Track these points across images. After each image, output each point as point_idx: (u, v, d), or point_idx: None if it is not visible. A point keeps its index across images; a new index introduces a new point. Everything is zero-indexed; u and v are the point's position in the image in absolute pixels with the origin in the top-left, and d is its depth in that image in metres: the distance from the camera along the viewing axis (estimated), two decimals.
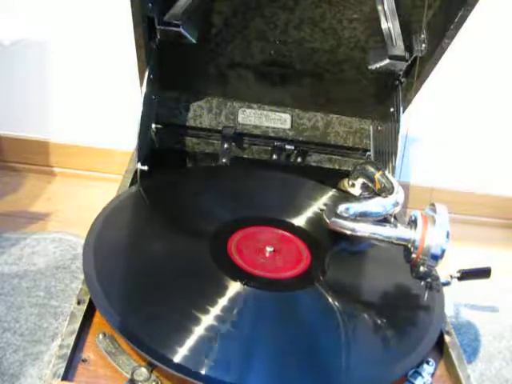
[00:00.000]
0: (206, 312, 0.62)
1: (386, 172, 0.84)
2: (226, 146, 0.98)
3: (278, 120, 1.02)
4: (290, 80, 0.97)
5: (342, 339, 0.63)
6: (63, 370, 0.56)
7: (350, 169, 0.99)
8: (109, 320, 0.59)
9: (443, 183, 1.31)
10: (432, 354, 0.65)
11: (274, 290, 0.68)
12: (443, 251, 0.65)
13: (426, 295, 0.71)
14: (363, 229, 0.73)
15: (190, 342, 0.58)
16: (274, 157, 1.01)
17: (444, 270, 0.75)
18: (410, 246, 0.69)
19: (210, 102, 1.01)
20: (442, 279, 0.75)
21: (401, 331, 0.67)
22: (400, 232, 0.70)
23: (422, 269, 0.68)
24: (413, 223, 0.69)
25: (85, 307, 0.63)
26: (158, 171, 0.88)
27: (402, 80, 0.92)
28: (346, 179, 0.93)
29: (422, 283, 0.71)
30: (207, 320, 0.61)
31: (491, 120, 1.23)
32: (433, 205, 0.69)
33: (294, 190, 0.90)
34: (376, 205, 0.77)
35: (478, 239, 1.29)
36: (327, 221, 0.76)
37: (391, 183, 0.81)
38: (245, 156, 1.02)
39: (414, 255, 0.68)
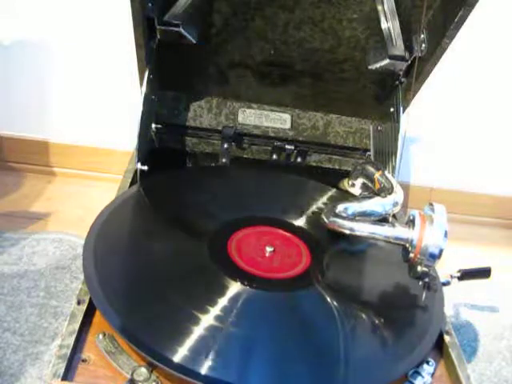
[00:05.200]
0: (206, 312, 0.62)
1: (386, 172, 0.84)
2: (225, 145, 0.98)
3: (278, 120, 1.02)
4: (290, 80, 0.97)
5: (342, 339, 0.63)
6: (63, 370, 0.56)
7: (349, 169, 0.99)
8: (109, 320, 0.59)
9: (443, 183, 1.31)
10: (432, 353, 0.65)
11: (274, 290, 0.68)
12: (441, 251, 0.65)
13: (426, 295, 0.71)
14: (362, 228, 0.73)
15: (190, 342, 0.58)
16: (274, 157, 1.01)
17: (444, 270, 0.75)
18: (408, 245, 0.69)
19: (210, 102, 1.01)
20: (442, 279, 0.75)
21: (401, 331, 0.67)
22: (398, 231, 0.70)
23: (419, 268, 0.68)
24: (411, 223, 0.69)
25: (85, 307, 0.63)
26: (157, 171, 0.88)
27: (402, 80, 0.92)
28: (346, 179, 0.93)
29: (420, 283, 0.71)
30: (207, 320, 0.61)
31: (491, 120, 1.23)
32: (431, 204, 0.69)
33: (294, 190, 0.90)
34: (375, 204, 0.77)
35: (478, 239, 1.29)
36: (326, 220, 0.76)
37: (391, 183, 0.81)
38: (245, 156, 1.02)
39: (411, 255, 0.68)
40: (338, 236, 0.76)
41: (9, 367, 0.80)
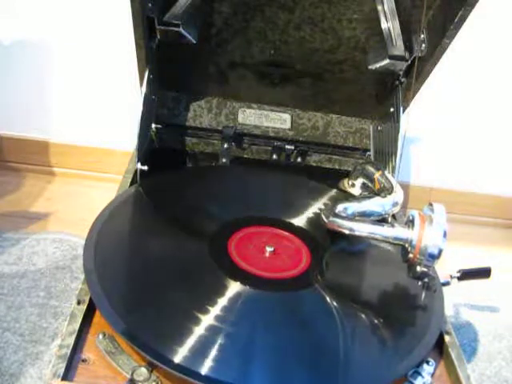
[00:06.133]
0: (206, 312, 0.62)
1: (386, 172, 0.84)
2: (225, 146, 0.98)
3: (278, 120, 1.02)
4: (290, 80, 0.97)
5: (342, 339, 0.63)
6: (63, 370, 0.56)
7: (350, 169, 0.99)
8: (109, 320, 0.59)
9: (443, 183, 1.31)
10: (432, 353, 0.65)
11: (274, 290, 0.68)
12: (440, 251, 0.65)
13: (426, 295, 0.71)
14: (361, 228, 0.73)
15: (190, 341, 0.58)
16: (274, 157, 1.01)
17: (444, 270, 0.75)
18: (407, 245, 0.69)
19: (210, 102, 1.01)
20: (442, 279, 0.75)
21: (401, 331, 0.67)
22: (397, 232, 0.70)
23: (418, 268, 0.68)
24: (410, 223, 0.69)
25: (85, 307, 0.63)
26: (157, 171, 0.88)
27: (402, 80, 0.92)
28: (346, 179, 0.93)
29: (419, 283, 0.71)
30: (207, 320, 0.61)
31: (490, 120, 1.23)
32: (431, 204, 0.69)
33: (294, 190, 0.90)
34: (375, 204, 0.77)
35: (478, 239, 1.29)
36: (325, 220, 0.76)
37: (390, 183, 0.81)
38: (245, 156, 1.02)
39: (411, 255, 0.68)
40: (337, 236, 0.76)
41: (9, 367, 0.80)
